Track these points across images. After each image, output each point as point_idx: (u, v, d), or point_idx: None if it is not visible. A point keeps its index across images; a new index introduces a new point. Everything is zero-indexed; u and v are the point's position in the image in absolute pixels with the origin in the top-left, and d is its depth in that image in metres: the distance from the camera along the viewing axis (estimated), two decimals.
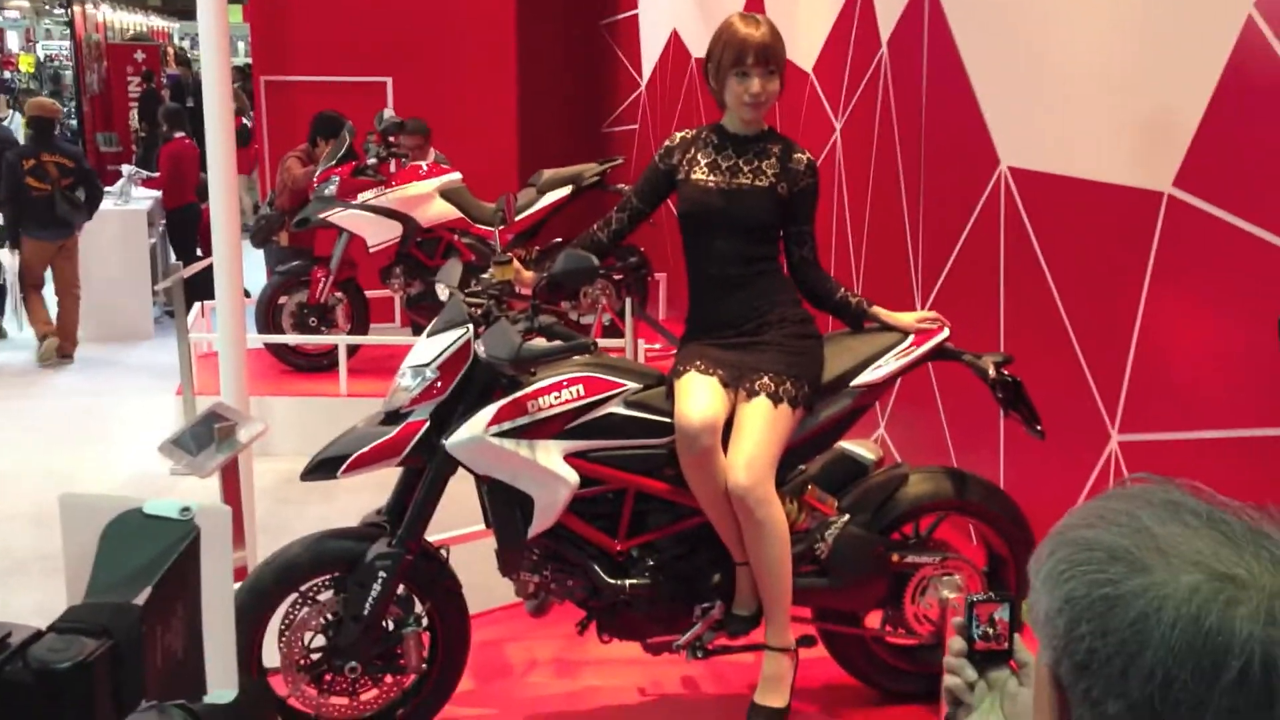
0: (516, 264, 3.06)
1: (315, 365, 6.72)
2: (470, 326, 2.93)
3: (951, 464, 4.33)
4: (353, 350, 6.52)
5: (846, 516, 3.11)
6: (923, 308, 4.52)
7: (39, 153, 8.12)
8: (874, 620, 3.30)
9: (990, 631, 1.36)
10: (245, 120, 11.40)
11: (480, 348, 2.88)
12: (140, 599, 0.79)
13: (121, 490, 5.80)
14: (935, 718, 3.24)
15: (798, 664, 3.10)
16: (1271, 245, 2.87)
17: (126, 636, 0.76)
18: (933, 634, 3.22)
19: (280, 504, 5.54)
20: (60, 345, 8.30)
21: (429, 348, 2.95)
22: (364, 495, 5.15)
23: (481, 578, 3.76)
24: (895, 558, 3.16)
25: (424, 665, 3.08)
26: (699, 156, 3.11)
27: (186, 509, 0.86)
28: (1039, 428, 3.14)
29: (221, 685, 0.87)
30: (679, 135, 3.18)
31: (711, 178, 3.08)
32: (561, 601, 3.15)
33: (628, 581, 3.04)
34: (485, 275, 3.07)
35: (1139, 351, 3.40)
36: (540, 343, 2.81)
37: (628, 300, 6.07)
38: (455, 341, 2.92)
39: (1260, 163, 2.91)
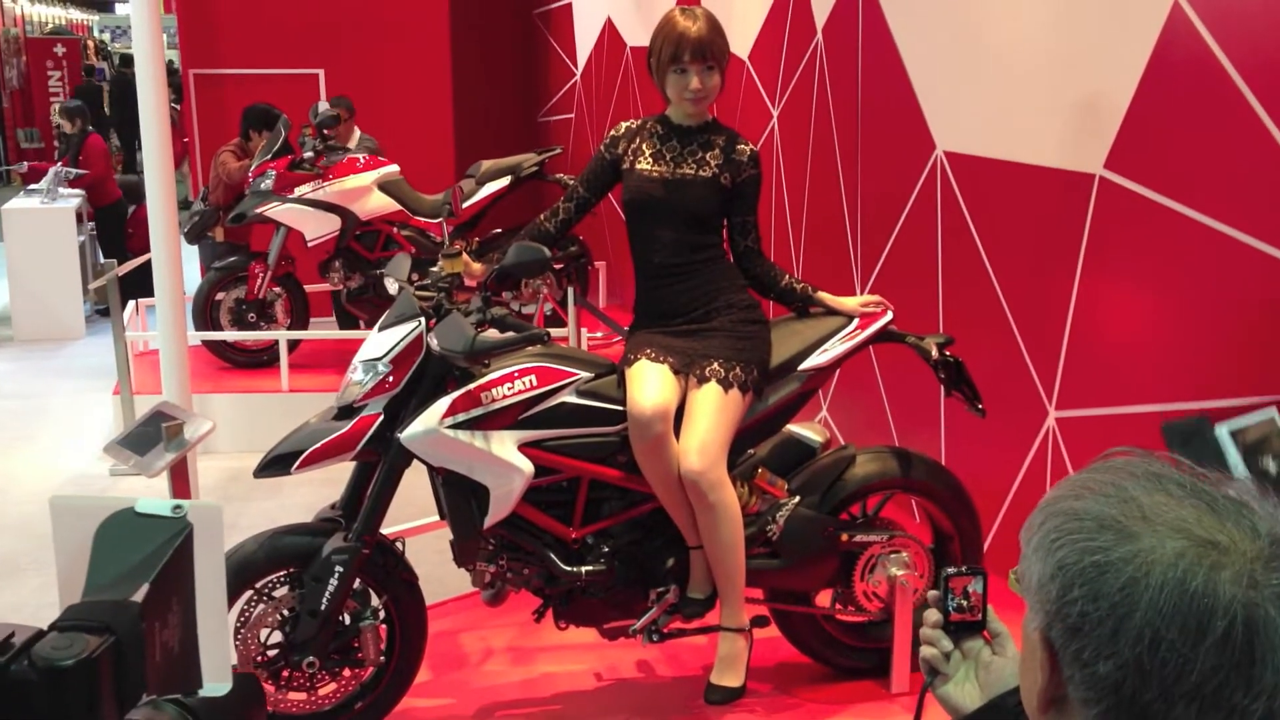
0: (465, 256, 3.07)
1: (255, 361, 6.65)
2: (422, 320, 2.94)
3: (894, 444, 4.42)
4: (293, 345, 6.46)
5: (797, 498, 3.17)
6: (863, 291, 4.60)
7: None
8: (824, 599, 3.36)
9: (964, 604, 1.41)
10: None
11: (433, 341, 2.89)
12: (138, 596, 0.80)
13: (62, 491, 5.71)
14: (886, 691, 3.32)
15: (752, 644, 3.15)
16: (1199, 224, 2.96)
17: (128, 633, 0.77)
18: (882, 610, 3.29)
19: (224, 501, 5.49)
20: None
21: (381, 342, 2.95)
22: (309, 490, 5.13)
23: (434, 569, 3.78)
24: (844, 537, 3.22)
25: (382, 658, 3.09)
26: (644, 146, 3.14)
27: (179, 506, 0.88)
28: (980, 406, 3.22)
29: (215, 679, 0.88)
30: (624, 125, 3.21)
31: (656, 168, 3.11)
32: (518, 590, 3.17)
33: (584, 568, 3.07)
34: (434, 268, 3.08)
35: (1074, 330, 3.50)
36: (493, 334, 2.83)
37: (569, 289, 6.09)
38: (407, 335, 2.92)
39: (1187, 145, 3.01)
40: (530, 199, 8.12)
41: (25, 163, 14.34)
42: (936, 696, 1.43)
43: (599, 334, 6.83)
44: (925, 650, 1.44)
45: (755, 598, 3.25)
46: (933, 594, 1.45)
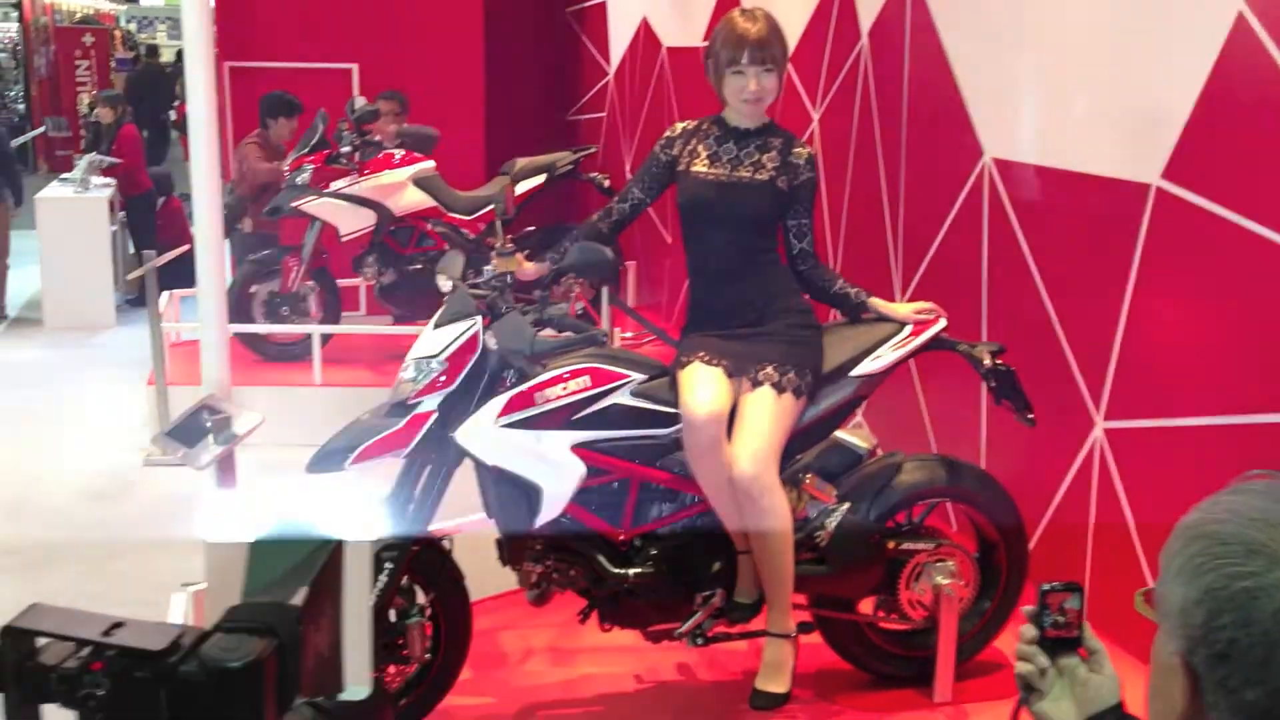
0: (519, 255, 3.07)
1: (287, 354, 6.66)
2: (479, 318, 2.93)
3: (932, 450, 4.40)
4: (325, 339, 6.48)
5: (846, 504, 3.16)
6: (902, 298, 4.58)
7: None
8: (867, 606, 3.35)
9: (1061, 619, 1.40)
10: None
11: (491, 339, 2.89)
12: (297, 599, 0.80)
13: (94, 481, 5.73)
14: (929, 700, 3.31)
15: (798, 650, 3.14)
16: (1259, 237, 2.94)
17: (289, 636, 0.77)
18: (926, 619, 3.28)
19: None
20: None
21: (436, 339, 2.95)
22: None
23: (469, 566, 3.76)
24: (891, 545, 3.21)
25: (427, 655, 3.09)
26: (699, 148, 3.14)
27: None
28: (1031, 416, 3.20)
29: (357, 682, 0.88)
30: (680, 126, 3.20)
31: (712, 170, 3.10)
32: (563, 591, 3.17)
33: (631, 570, 3.07)
34: (488, 267, 3.08)
35: (1125, 340, 3.48)
36: (551, 334, 2.83)
37: (603, 288, 6.09)
38: (464, 333, 2.92)
39: (1249, 156, 2.99)
40: (560, 198, 8.12)
41: (43, 127, 14.46)
42: (1031, 713, 1.42)
43: (629, 333, 6.83)
44: (1020, 666, 1.43)
45: (798, 603, 3.24)
46: (1028, 609, 1.44)
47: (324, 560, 0.83)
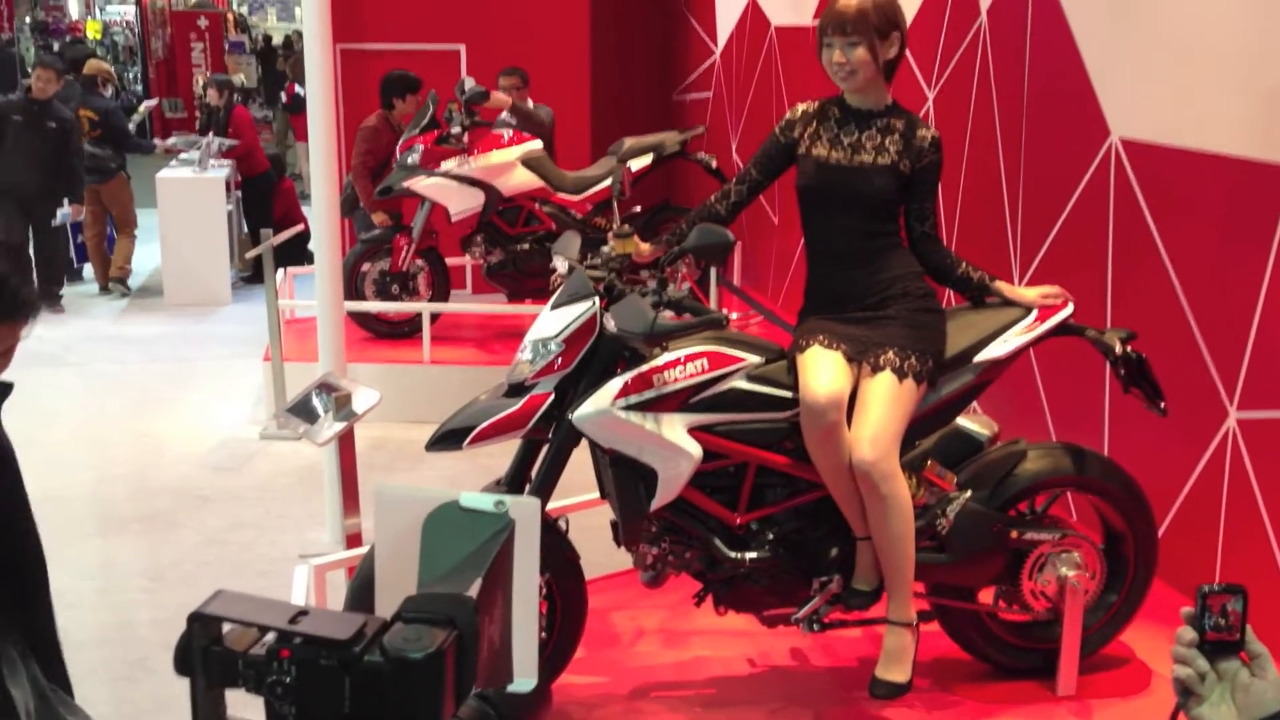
0: (636, 237, 3.06)
1: (396, 332, 6.77)
2: (596, 300, 2.93)
3: (1050, 438, 4.29)
4: (434, 317, 6.56)
5: (967, 492, 3.09)
6: (1021, 283, 4.46)
7: (79, 108, 8.89)
8: (987, 596, 3.29)
9: (1222, 622, 1.35)
10: (299, 88, 11.54)
11: (610, 321, 2.89)
12: (472, 590, 0.80)
13: (213, 453, 5.89)
14: (1051, 694, 3.23)
15: (919, 639, 3.09)
16: None
17: (466, 627, 0.77)
18: (1048, 610, 3.20)
19: (365, 470, 5.59)
20: (116, 274, 9.16)
21: (553, 321, 2.96)
22: (449, 462, 5.20)
23: (585, 547, 3.78)
24: (1014, 534, 3.14)
25: (542, 634, 3.11)
26: (820, 131, 3.08)
27: (500, 502, 0.87)
28: (1162, 405, 3.10)
29: (525, 674, 0.88)
30: (801, 107, 3.15)
31: (833, 154, 3.04)
32: (678, 574, 3.16)
33: (747, 554, 3.05)
34: (605, 248, 3.08)
35: (1261, 327, 3.34)
36: (670, 317, 2.81)
37: (712, 269, 6.05)
38: (581, 315, 2.92)
39: None
40: (666, 178, 8.08)
41: (155, 100, 14.86)
42: (1190, 718, 1.37)
43: (735, 314, 6.78)
44: (1179, 670, 1.38)
45: (916, 591, 3.18)
46: (1187, 611, 1.39)
47: (496, 551, 0.82)
